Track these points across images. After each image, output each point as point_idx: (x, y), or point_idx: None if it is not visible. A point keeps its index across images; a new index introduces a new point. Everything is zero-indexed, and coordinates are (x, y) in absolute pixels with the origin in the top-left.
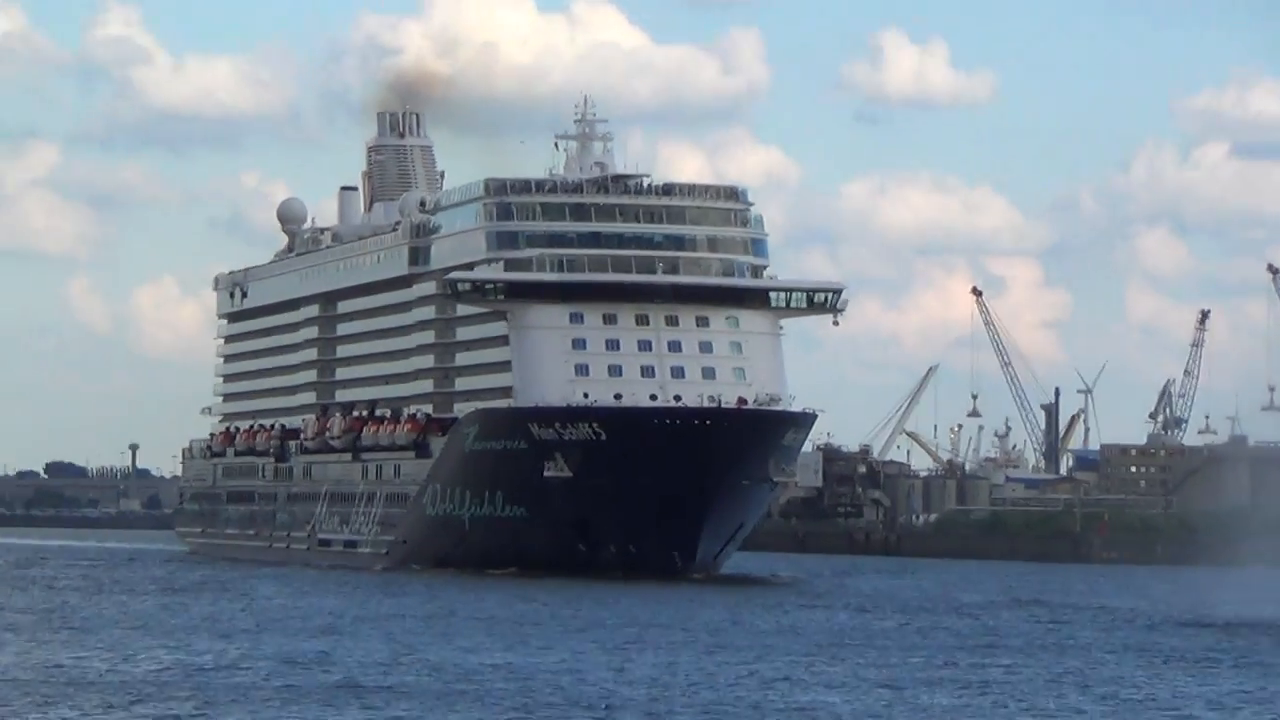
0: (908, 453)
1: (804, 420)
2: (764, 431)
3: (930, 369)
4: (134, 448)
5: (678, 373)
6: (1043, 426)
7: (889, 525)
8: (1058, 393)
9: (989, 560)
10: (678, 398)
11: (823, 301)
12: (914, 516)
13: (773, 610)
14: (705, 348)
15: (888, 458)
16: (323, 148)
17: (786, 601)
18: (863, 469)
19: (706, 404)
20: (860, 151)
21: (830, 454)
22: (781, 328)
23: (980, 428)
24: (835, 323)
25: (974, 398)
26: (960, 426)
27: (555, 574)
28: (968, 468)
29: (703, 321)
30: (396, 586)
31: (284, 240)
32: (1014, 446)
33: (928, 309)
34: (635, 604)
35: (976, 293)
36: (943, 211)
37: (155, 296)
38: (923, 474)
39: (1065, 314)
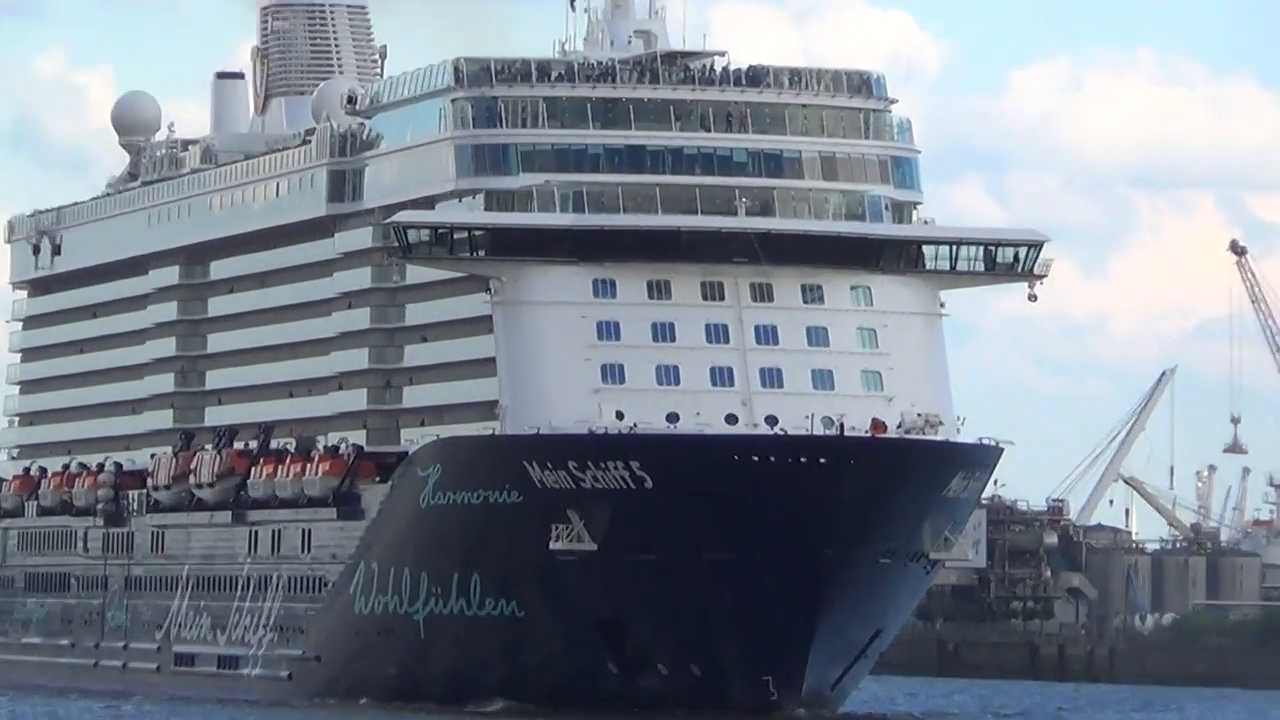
0: (1126, 512)
1: (982, 457)
2: (917, 476)
3: (1162, 375)
4: None
5: (771, 378)
6: None
7: (1095, 632)
8: None
9: (1259, 690)
10: (773, 420)
11: (1010, 262)
12: (1137, 617)
13: None
14: (818, 337)
15: (1092, 521)
16: (179, 11)
17: None
18: (1052, 539)
19: (821, 430)
20: (1041, 21)
21: (999, 514)
22: (943, 305)
23: (1245, 471)
24: (1033, 296)
25: (1234, 423)
26: (1213, 469)
27: (568, 711)
28: (1225, 537)
29: (814, 294)
30: None
31: (122, 162)
32: None
33: (1155, 277)
34: None
35: (1236, 250)
36: (1176, 118)
37: None
38: (1151, 547)
39: None
